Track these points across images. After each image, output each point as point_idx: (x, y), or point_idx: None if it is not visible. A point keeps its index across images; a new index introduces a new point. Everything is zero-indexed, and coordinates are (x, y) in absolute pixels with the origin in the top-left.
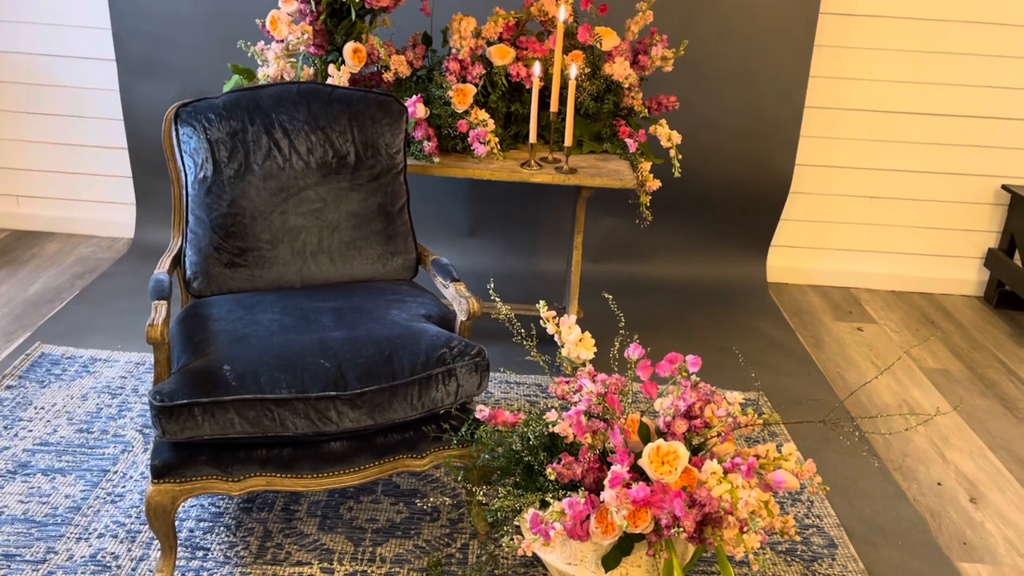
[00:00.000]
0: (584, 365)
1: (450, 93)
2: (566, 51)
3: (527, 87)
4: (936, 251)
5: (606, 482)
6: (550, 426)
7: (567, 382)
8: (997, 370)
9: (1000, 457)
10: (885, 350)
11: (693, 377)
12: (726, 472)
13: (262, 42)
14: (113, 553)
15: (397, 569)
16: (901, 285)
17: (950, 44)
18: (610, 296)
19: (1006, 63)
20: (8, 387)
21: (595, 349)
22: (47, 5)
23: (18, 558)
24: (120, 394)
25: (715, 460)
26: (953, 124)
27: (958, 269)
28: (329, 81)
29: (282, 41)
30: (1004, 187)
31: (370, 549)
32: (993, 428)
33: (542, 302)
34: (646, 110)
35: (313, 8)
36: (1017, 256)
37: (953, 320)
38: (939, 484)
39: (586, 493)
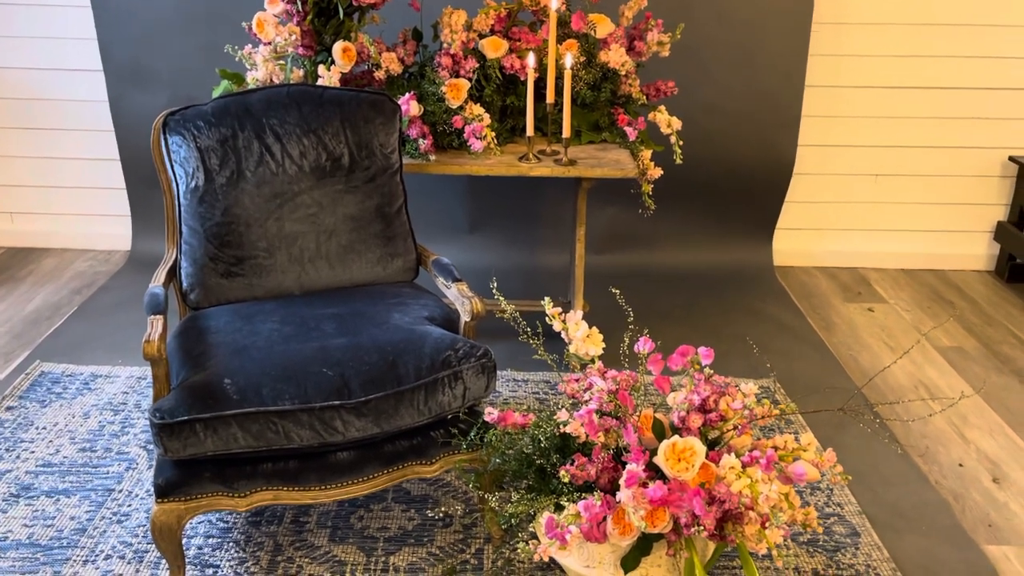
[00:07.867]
0: (593, 362)
1: (443, 89)
2: (560, 40)
3: (522, 79)
4: (944, 227)
5: (622, 482)
6: (561, 426)
7: (577, 380)
8: (1012, 345)
9: (1021, 434)
10: (897, 330)
11: (706, 370)
12: (745, 466)
13: (249, 45)
14: (121, 575)
15: None
16: (910, 263)
17: (950, 15)
18: (617, 291)
19: (1008, 32)
20: (8, 408)
21: (603, 345)
22: (32, 19)
23: None
24: (122, 410)
25: (733, 454)
26: (957, 97)
27: (967, 244)
28: (319, 82)
29: (269, 43)
30: (1011, 159)
31: (383, 558)
32: (1012, 405)
33: (547, 299)
34: (644, 97)
35: (299, 8)
36: None
37: (965, 296)
38: (960, 465)
39: (601, 494)
